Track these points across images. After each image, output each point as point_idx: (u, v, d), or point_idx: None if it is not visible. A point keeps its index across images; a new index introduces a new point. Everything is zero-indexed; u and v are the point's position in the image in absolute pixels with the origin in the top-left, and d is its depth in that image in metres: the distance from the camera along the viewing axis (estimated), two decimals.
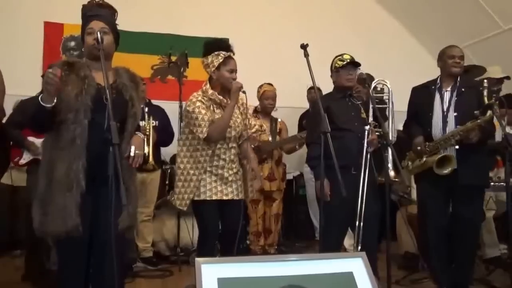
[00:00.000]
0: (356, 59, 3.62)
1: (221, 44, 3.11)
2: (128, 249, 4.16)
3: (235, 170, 3.17)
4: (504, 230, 3.98)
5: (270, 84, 4.93)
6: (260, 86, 4.91)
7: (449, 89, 3.49)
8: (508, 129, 3.91)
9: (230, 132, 3.11)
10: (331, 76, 3.70)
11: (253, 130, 3.74)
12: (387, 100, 3.74)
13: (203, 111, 3.02)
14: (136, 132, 2.58)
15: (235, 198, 3.14)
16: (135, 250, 4.39)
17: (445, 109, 3.44)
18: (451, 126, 3.41)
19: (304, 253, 4.43)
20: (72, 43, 5.76)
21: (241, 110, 3.26)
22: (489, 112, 3.20)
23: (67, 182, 2.31)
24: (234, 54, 3.14)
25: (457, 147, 3.36)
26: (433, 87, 3.54)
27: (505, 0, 5.33)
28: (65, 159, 2.34)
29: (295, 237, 5.71)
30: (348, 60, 3.58)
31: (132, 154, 2.39)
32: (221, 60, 3.05)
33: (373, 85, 3.66)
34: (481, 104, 3.29)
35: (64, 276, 2.43)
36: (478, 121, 3.20)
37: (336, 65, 3.62)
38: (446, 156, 3.34)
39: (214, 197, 3.06)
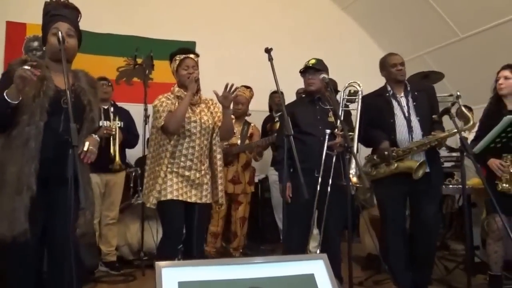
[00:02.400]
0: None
1: (180, 51, 3.23)
2: (90, 255, 4.08)
3: (202, 173, 3.15)
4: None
5: (246, 87, 4.87)
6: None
7: (402, 95, 3.55)
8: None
9: (195, 127, 3.11)
10: None
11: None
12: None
13: (164, 104, 3.09)
14: (92, 135, 2.55)
15: (198, 201, 3.11)
16: (96, 255, 4.29)
17: (406, 115, 3.48)
18: (416, 131, 3.44)
19: (269, 256, 4.43)
20: (35, 43, 5.63)
21: (211, 109, 3.29)
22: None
23: (17, 185, 2.23)
24: (198, 56, 3.24)
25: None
26: (387, 94, 3.56)
27: (462, 11, 5.54)
28: (17, 161, 2.26)
29: (261, 240, 5.68)
30: (310, 65, 3.65)
31: (85, 149, 2.37)
32: (177, 63, 3.18)
33: (346, 88, 3.68)
34: (434, 107, 3.41)
35: (11, 283, 2.33)
36: (455, 130, 3.22)
37: (301, 70, 3.68)
38: (423, 162, 3.36)
39: (180, 198, 3.03)
